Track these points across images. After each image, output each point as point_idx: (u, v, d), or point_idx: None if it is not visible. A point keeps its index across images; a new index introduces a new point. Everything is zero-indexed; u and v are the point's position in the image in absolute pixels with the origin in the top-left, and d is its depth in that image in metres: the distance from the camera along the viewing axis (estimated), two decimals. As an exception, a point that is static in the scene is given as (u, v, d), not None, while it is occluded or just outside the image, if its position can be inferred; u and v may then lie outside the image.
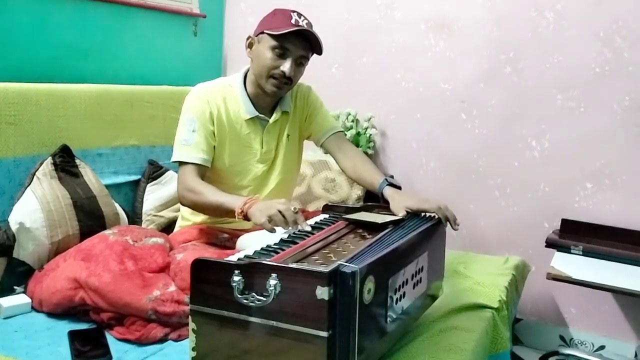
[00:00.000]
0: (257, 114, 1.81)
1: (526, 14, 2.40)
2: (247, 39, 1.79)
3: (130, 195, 2.22)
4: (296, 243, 1.35)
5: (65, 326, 1.52)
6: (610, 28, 2.26)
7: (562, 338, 2.48)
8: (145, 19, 2.52)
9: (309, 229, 1.46)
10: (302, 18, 1.71)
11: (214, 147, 1.78)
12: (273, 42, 1.69)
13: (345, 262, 1.11)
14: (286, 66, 1.70)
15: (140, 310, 1.48)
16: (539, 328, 2.51)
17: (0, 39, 1.99)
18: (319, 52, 1.76)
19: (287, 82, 1.73)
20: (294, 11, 1.71)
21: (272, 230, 1.44)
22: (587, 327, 2.44)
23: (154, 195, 2.21)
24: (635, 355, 2.32)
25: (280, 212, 1.44)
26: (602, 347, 2.41)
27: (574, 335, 2.46)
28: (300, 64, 1.74)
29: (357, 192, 2.49)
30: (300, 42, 1.70)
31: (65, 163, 1.90)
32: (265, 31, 1.71)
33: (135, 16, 2.48)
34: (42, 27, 2.12)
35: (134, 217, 2.17)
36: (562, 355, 2.42)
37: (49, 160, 1.88)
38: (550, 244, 2.23)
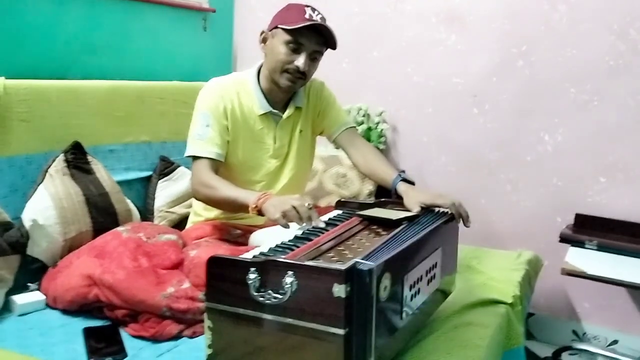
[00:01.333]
0: (270, 109, 1.81)
1: (538, 6, 2.37)
2: (261, 33, 1.78)
3: (142, 191, 2.22)
4: (310, 240, 1.35)
5: (80, 323, 1.53)
6: (624, 21, 2.23)
7: (575, 333, 2.47)
8: (155, 14, 2.52)
9: (322, 225, 1.45)
10: (316, 12, 1.70)
11: (228, 142, 1.77)
12: (287, 37, 1.68)
13: (362, 259, 1.11)
14: (300, 61, 1.69)
15: (155, 307, 1.48)
16: (552, 323, 2.50)
17: (11, 36, 1.99)
18: (333, 47, 1.75)
19: (301, 77, 1.72)
20: (307, 6, 1.70)
21: (286, 226, 1.43)
22: (600, 322, 2.42)
23: (166, 191, 2.21)
24: (650, 350, 2.31)
25: (294, 207, 1.43)
26: (615, 342, 2.40)
27: (587, 330, 2.45)
28: (314, 58, 1.73)
29: (369, 187, 2.49)
30: (314, 37, 1.69)
31: (77, 160, 1.90)
32: (279, 26, 1.70)
33: (145, 12, 2.47)
34: (53, 23, 2.12)
35: (146, 214, 2.17)
36: (575, 350, 2.41)
37: (61, 157, 1.88)
38: (564, 238, 2.22)
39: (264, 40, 1.78)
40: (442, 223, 1.47)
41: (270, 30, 1.74)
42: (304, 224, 1.44)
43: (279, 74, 1.72)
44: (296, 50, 1.69)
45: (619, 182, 2.31)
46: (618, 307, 2.37)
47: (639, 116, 2.24)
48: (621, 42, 2.24)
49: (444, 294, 1.54)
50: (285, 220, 1.44)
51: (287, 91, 1.78)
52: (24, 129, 1.84)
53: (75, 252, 1.72)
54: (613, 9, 2.24)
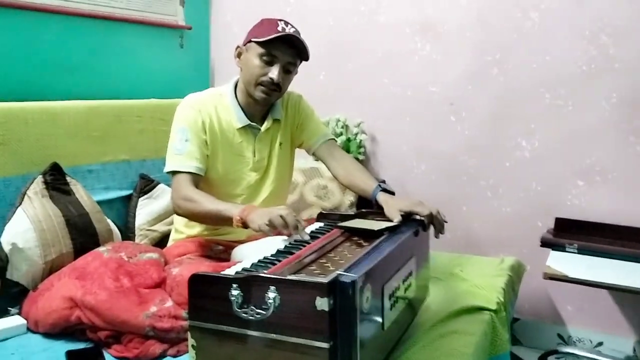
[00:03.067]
0: (248, 122, 1.81)
1: (510, 14, 2.41)
2: (236, 48, 1.79)
3: (123, 210, 2.20)
4: (292, 253, 1.35)
5: (63, 346, 1.50)
6: (595, 26, 2.27)
7: (560, 336, 2.49)
8: (132, 33, 2.52)
9: (307, 238, 1.46)
10: (289, 26, 1.71)
11: (207, 156, 1.77)
12: (260, 50, 1.70)
13: (343, 271, 1.11)
14: (274, 73, 1.70)
15: (138, 327, 1.47)
16: (537, 327, 2.52)
17: (-15, 58, 1.98)
18: (306, 58, 1.77)
19: (275, 89, 1.73)
20: (281, 20, 1.72)
21: (271, 234, 1.44)
22: (584, 325, 2.45)
23: (146, 209, 2.19)
24: (634, 350, 2.33)
25: (281, 216, 1.44)
26: (600, 344, 2.42)
27: (571, 333, 2.47)
28: (288, 71, 1.75)
29: (350, 198, 2.49)
30: (287, 49, 1.71)
31: (56, 181, 1.89)
32: (252, 39, 1.72)
33: (121, 30, 2.47)
34: (28, 45, 2.11)
35: (127, 232, 2.16)
36: (561, 353, 2.43)
37: (40, 178, 1.87)
38: (545, 243, 2.24)
39: (238, 55, 1.79)
40: (414, 231, 1.48)
41: (245, 45, 1.76)
42: (290, 235, 1.45)
43: (254, 87, 1.73)
44: (270, 63, 1.71)
45: (597, 185, 2.34)
46: (601, 309, 2.39)
47: (613, 119, 2.28)
48: (593, 47, 2.29)
49: (419, 301, 1.56)
50: (270, 228, 1.44)
51: (263, 104, 1.79)
52: (0, 152, 1.83)
53: (56, 274, 1.70)
54: (584, 15, 2.29)
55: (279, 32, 1.67)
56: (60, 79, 2.22)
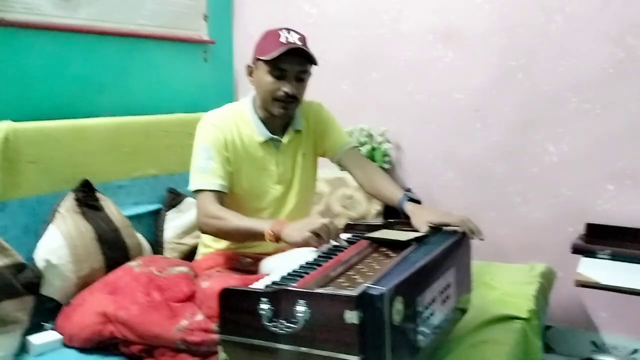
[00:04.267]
0: (270, 135, 1.81)
1: (535, 19, 2.39)
2: (247, 67, 1.80)
3: (152, 224, 2.24)
4: (320, 265, 1.35)
5: (97, 361, 1.53)
6: (621, 27, 2.24)
7: (594, 344, 2.44)
8: (156, 49, 2.56)
9: (345, 244, 1.47)
10: (292, 33, 1.70)
11: (231, 173, 1.78)
12: (268, 67, 1.70)
13: (372, 283, 1.11)
14: (287, 86, 1.70)
15: (170, 340, 1.49)
16: (570, 335, 2.47)
17: (17, 79, 2.03)
18: (315, 63, 1.74)
19: (292, 100, 1.73)
20: (282, 29, 1.70)
21: (313, 244, 1.45)
22: (619, 331, 2.39)
23: (175, 222, 2.22)
24: (671, 357, 2.28)
25: (325, 225, 1.45)
26: (635, 351, 2.37)
27: (606, 340, 2.42)
28: (300, 79, 1.74)
29: (376, 207, 2.49)
30: (294, 59, 1.69)
31: (87, 197, 1.93)
32: (258, 57, 1.72)
33: (146, 47, 2.51)
34: (57, 65, 2.16)
35: (157, 246, 2.19)
36: (596, 361, 2.39)
37: (71, 195, 1.90)
38: (576, 249, 2.20)
39: (250, 73, 1.79)
40: (453, 242, 1.46)
41: (254, 63, 1.76)
42: (322, 247, 1.46)
43: (271, 104, 1.73)
44: (280, 77, 1.70)
45: (627, 189, 2.30)
46: (636, 315, 2.34)
47: (642, 121, 2.25)
48: (620, 49, 2.25)
49: (460, 312, 1.54)
50: (314, 240, 1.45)
51: (282, 118, 1.79)
52: (33, 170, 1.87)
53: (88, 289, 1.74)
54: (609, 16, 2.26)
55: (282, 44, 1.66)
56: (89, 96, 2.26)
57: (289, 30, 1.71)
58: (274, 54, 1.66)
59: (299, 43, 1.68)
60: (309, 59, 1.72)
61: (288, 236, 1.50)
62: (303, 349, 1.09)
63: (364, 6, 2.73)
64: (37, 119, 1.96)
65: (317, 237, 1.45)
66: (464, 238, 1.54)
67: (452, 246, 1.45)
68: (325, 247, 1.47)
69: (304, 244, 1.47)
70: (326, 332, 1.07)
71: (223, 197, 1.73)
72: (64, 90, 2.18)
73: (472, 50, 2.53)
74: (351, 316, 1.04)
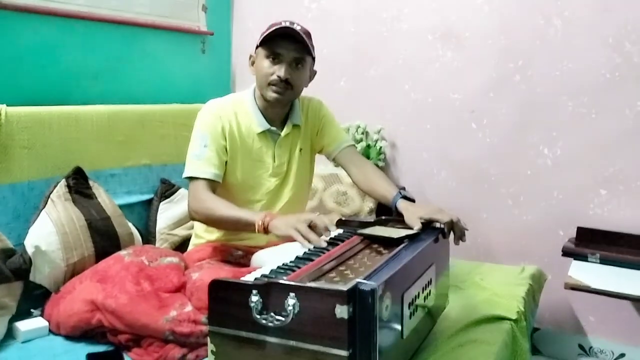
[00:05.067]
0: (268, 127, 1.81)
1: (533, 21, 2.39)
2: (249, 57, 1.81)
3: (144, 214, 2.23)
4: (312, 260, 1.34)
5: (83, 349, 1.52)
6: (619, 33, 2.25)
7: (581, 347, 2.45)
8: (154, 38, 2.55)
9: (324, 244, 1.46)
10: (292, 23, 1.70)
11: (226, 162, 1.78)
12: (266, 51, 1.71)
13: (363, 279, 1.11)
14: (281, 70, 1.70)
15: (158, 331, 1.48)
16: (558, 337, 2.49)
17: (12, 63, 2.01)
18: (309, 51, 1.73)
19: (287, 86, 1.73)
20: (286, 20, 1.71)
21: (300, 238, 1.44)
22: (606, 335, 2.41)
23: (167, 213, 2.21)
24: (657, 362, 2.29)
25: (309, 220, 1.46)
26: (622, 355, 2.38)
27: (593, 343, 2.43)
28: (297, 66, 1.74)
29: (369, 204, 2.49)
30: (290, 45, 1.70)
31: (79, 185, 1.91)
32: (258, 45, 1.73)
33: (144, 36, 2.50)
34: (53, 50, 2.14)
35: (148, 237, 2.18)
36: (582, 364, 2.40)
37: (63, 182, 1.89)
38: (567, 252, 2.21)
39: (252, 63, 1.80)
40: (433, 239, 1.47)
41: (255, 52, 1.77)
42: (322, 237, 1.46)
43: (265, 88, 1.74)
44: (276, 61, 1.71)
45: (619, 194, 2.31)
46: (624, 319, 2.35)
47: (637, 127, 2.25)
48: (617, 55, 2.26)
49: (439, 309, 1.55)
50: (299, 235, 1.45)
51: (277, 104, 1.78)
52: (25, 155, 1.86)
53: (77, 277, 1.73)
54: (607, 22, 2.26)
55: (279, 27, 1.68)
56: (84, 83, 2.25)
57: (292, 22, 1.71)
58: (269, 34, 1.68)
59: (299, 32, 1.69)
60: (306, 47, 1.72)
61: (275, 228, 1.51)
62: (292, 343, 1.09)
63: (364, 3, 2.73)
64: (31, 104, 1.95)
65: (304, 231, 1.45)
66: (443, 234, 1.55)
67: (432, 243, 1.46)
68: (309, 245, 1.46)
69: (289, 237, 1.47)
70: (316, 326, 1.06)
71: (215, 186, 1.74)
72: (59, 76, 2.17)
73: (470, 51, 2.53)
74: (341, 311, 1.04)
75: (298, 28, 1.70)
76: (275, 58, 1.71)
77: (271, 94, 1.74)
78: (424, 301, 1.37)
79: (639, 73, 2.23)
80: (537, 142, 2.44)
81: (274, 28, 1.68)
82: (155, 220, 2.20)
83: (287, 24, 1.69)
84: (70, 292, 1.66)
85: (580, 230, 2.30)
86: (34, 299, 1.72)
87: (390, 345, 1.17)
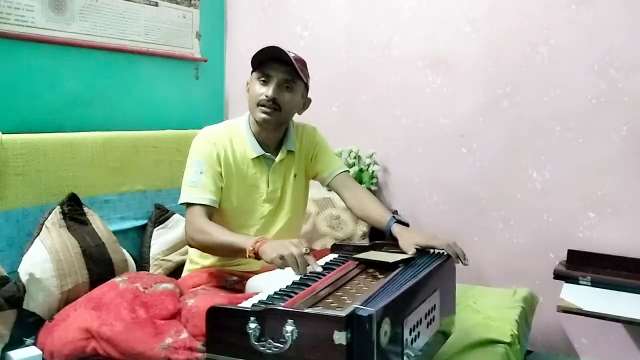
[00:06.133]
0: (263, 152, 1.83)
1: (521, 49, 2.45)
2: (246, 84, 1.83)
3: (138, 240, 2.23)
4: (308, 285, 1.36)
5: (78, 377, 1.51)
6: (604, 60, 2.30)
7: (574, 369, 2.46)
8: (148, 65, 2.57)
9: (319, 269, 1.47)
10: (289, 51, 1.73)
11: (222, 188, 1.79)
12: (257, 74, 1.75)
13: (361, 304, 1.12)
14: (269, 90, 1.73)
15: (153, 358, 1.47)
16: (551, 360, 2.50)
17: (7, 90, 2.03)
18: (298, 73, 1.74)
19: (275, 107, 1.74)
20: (278, 46, 1.73)
21: (283, 267, 1.44)
22: (598, 357, 2.42)
23: (161, 239, 2.22)
24: (649, 384, 2.30)
25: (293, 256, 1.43)
26: (614, 377, 2.39)
27: (585, 366, 2.45)
28: (286, 88, 1.76)
29: (363, 228, 2.51)
30: (280, 67, 1.73)
31: (73, 211, 1.92)
32: (252, 70, 1.77)
33: (138, 63, 2.52)
34: (48, 77, 2.16)
35: (142, 262, 2.17)
36: (575, 387, 2.40)
37: (57, 209, 1.89)
38: (558, 275, 2.23)
39: (248, 90, 1.82)
40: (438, 264, 1.48)
41: (250, 77, 1.81)
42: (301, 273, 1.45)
43: (255, 109, 1.76)
44: (265, 82, 1.74)
45: (608, 217, 2.34)
46: (615, 342, 2.37)
47: (623, 151, 2.30)
48: (602, 81, 2.31)
49: (444, 335, 1.55)
50: (282, 263, 1.45)
51: (267, 126, 1.78)
52: (20, 182, 1.86)
53: (72, 304, 1.72)
54: (592, 50, 2.32)
55: (267, 47, 1.71)
56: (79, 110, 2.27)
57: (283, 48, 1.73)
58: (261, 57, 1.72)
59: (288, 53, 1.71)
60: (298, 72, 1.73)
61: (263, 253, 1.50)
62: (290, 369, 1.09)
63: (356, 31, 2.78)
64: (26, 131, 1.96)
65: (290, 261, 1.43)
66: (448, 261, 1.55)
67: (437, 269, 1.46)
68: (295, 274, 1.45)
69: (273, 264, 1.46)
70: (314, 352, 1.07)
71: (212, 212, 1.75)
72: (54, 104, 2.18)
73: (459, 77, 2.58)
74: (339, 337, 1.05)
75: (292, 55, 1.73)
76: (265, 80, 1.74)
77: (259, 114, 1.75)
78: (427, 327, 1.37)
79: (624, 98, 2.28)
80: (527, 165, 2.48)
81: (262, 47, 1.71)
82: (149, 245, 2.20)
83: (277, 45, 1.72)
84: (64, 320, 1.65)
85: (571, 253, 2.32)
86: (28, 327, 1.70)
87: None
